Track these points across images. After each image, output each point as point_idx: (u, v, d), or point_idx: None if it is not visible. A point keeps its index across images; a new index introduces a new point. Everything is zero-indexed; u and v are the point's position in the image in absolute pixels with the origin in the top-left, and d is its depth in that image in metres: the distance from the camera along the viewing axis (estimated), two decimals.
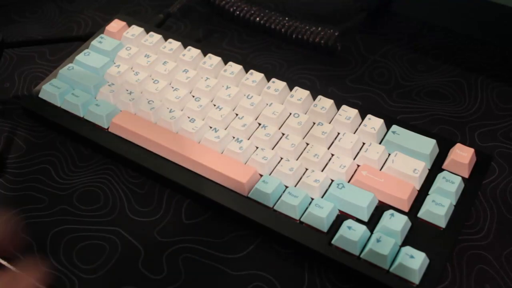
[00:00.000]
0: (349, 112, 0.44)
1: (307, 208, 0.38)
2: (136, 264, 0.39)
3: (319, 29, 0.53)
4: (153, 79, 0.47)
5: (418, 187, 0.40)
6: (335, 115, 0.44)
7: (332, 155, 0.42)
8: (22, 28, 0.58)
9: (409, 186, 0.39)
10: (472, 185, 0.40)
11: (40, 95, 0.47)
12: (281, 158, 0.42)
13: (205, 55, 0.49)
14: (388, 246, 0.36)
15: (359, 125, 0.43)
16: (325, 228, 0.38)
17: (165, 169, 0.42)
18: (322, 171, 0.41)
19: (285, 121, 0.44)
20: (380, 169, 0.41)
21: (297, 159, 0.42)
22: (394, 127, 0.43)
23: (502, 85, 0.50)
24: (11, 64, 0.54)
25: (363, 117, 0.44)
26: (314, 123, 0.44)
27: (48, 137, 0.48)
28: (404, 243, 0.37)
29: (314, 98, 0.45)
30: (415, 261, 0.35)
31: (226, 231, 0.41)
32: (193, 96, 0.46)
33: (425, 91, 0.50)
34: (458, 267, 0.39)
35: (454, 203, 0.39)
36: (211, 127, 0.44)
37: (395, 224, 0.37)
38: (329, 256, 0.37)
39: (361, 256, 0.36)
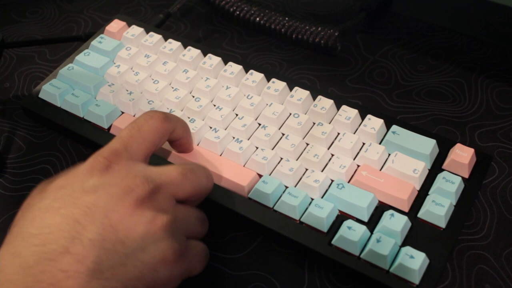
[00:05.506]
0: (349, 112, 0.43)
1: (307, 208, 0.38)
2: None
3: (319, 29, 0.53)
4: (153, 79, 0.47)
5: (418, 187, 0.40)
6: (335, 115, 0.44)
7: (332, 155, 0.42)
8: (22, 28, 0.58)
9: (409, 186, 0.39)
10: (472, 185, 0.40)
11: (40, 95, 0.47)
12: (281, 158, 0.42)
13: (205, 55, 0.49)
14: (388, 246, 0.36)
15: (359, 125, 0.43)
16: (325, 228, 0.38)
17: None
18: (322, 171, 0.41)
19: (285, 121, 0.44)
20: (380, 169, 0.41)
21: (297, 159, 0.42)
22: (394, 127, 0.43)
23: (502, 85, 0.50)
24: (11, 64, 0.54)
25: (363, 117, 0.44)
26: (314, 123, 0.44)
27: (48, 137, 0.48)
28: (404, 243, 0.37)
29: (314, 98, 0.45)
30: (415, 261, 0.35)
31: (226, 231, 0.41)
32: (193, 96, 0.46)
33: (425, 91, 0.50)
34: (458, 267, 0.39)
35: (454, 203, 0.39)
36: (211, 127, 0.44)
37: (395, 224, 0.37)
38: (329, 256, 0.37)
39: (361, 256, 0.36)
